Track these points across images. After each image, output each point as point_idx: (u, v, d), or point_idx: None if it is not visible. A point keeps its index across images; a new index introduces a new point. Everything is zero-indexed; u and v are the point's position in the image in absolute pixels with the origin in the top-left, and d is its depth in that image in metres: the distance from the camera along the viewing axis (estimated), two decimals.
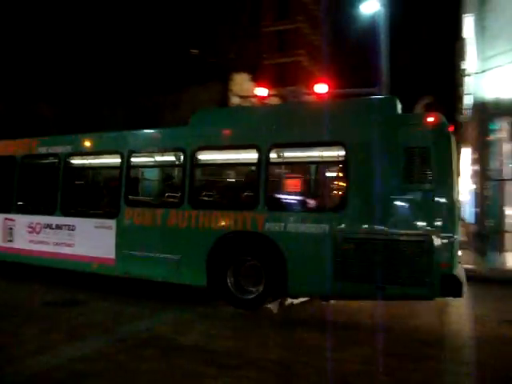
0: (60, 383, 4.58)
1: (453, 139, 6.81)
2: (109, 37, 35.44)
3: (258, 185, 7.55)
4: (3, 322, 6.60)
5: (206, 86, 31.75)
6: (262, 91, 21.28)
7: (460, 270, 6.81)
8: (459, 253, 6.81)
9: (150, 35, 37.41)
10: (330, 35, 55.15)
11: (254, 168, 7.84)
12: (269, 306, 7.48)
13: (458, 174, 7.00)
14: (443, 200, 6.53)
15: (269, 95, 21.63)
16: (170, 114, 28.54)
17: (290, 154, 8.02)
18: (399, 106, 7.35)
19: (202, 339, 6.11)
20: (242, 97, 23.34)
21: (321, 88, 19.62)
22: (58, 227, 9.46)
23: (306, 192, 8.42)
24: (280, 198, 7.99)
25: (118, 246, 8.65)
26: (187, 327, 6.72)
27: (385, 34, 16.67)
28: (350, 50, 48.05)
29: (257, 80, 31.00)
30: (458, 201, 6.89)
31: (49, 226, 9.60)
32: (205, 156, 8.44)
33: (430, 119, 6.78)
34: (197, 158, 8.24)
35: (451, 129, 6.83)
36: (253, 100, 22.32)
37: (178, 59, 35.78)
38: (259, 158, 7.57)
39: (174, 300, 8.52)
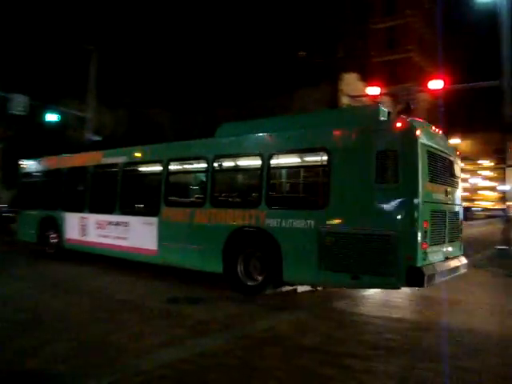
0: (189, 374, 4.80)
1: (422, 143, 7.32)
2: (221, 42, 36.57)
3: (260, 186, 8.82)
4: (129, 316, 7.03)
5: (316, 88, 31.71)
6: (373, 90, 20.93)
7: (439, 265, 7.57)
8: (435, 248, 7.57)
9: (261, 39, 38.10)
10: (443, 27, 52.64)
11: (258, 172, 9.02)
12: (268, 292, 8.58)
13: (434, 176, 7.68)
14: (407, 199, 7.17)
15: (380, 94, 21.20)
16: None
17: (284, 161, 9.09)
18: (384, 113, 8.04)
19: (323, 340, 6.08)
20: (352, 97, 23.09)
21: (436, 84, 18.80)
22: (117, 224, 11.54)
23: (297, 192, 9.62)
24: (277, 198, 9.06)
25: (159, 239, 10.40)
26: (306, 328, 6.73)
27: (508, 21, 15.56)
28: (465, 41, 45.54)
29: (367, 79, 30.43)
30: (429, 200, 7.45)
31: (110, 223, 11.72)
32: (220, 163, 9.74)
33: (398, 124, 7.46)
34: (215, 165, 9.65)
35: (420, 132, 7.33)
36: (364, 99, 22.05)
37: (287, 62, 36.08)
38: (261, 164, 8.85)
39: (290, 301, 8.59)
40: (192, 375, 4.79)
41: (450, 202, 8.48)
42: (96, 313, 7.25)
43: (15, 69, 37.21)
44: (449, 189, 8.40)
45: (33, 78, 31.76)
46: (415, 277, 6.99)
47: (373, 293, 9.25)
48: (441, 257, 7.91)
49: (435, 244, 7.66)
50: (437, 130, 8.59)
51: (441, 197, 8.03)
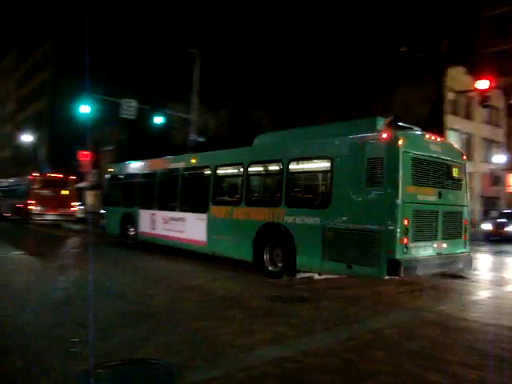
0: (292, 372, 4.79)
1: (405, 151, 8.46)
2: (322, 41, 36.32)
3: (281, 188, 10.51)
4: (233, 313, 7.15)
5: (418, 84, 30.52)
6: (482, 84, 19.72)
7: (425, 259, 8.72)
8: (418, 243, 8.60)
9: (361, 36, 37.36)
10: None
11: (279, 176, 10.74)
12: (284, 278, 10.11)
13: (417, 180, 8.75)
14: (389, 200, 8.34)
15: (490, 87, 19.93)
16: (381, 115, 27.94)
17: (299, 166, 10.62)
18: (380, 123, 9.21)
19: (429, 345, 5.83)
20: (458, 92, 21.97)
21: None
22: (177, 219, 13.73)
23: (307, 193, 10.75)
24: (292, 198, 10.41)
25: (208, 233, 12.36)
26: (411, 331, 6.51)
27: None
28: None
29: (474, 72, 28.77)
30: (411, 201, 8.52)
31: (172, 219, 13.96)
32: (253, 168, 11.74)
33: (384, 136, 8.64)
34: (249, 170, 11.60)
35: (402, 142, 8.42)
36: (471, 94, 20.91)
37: (388, 59, 35.05)
38: (282, 169, 10.57)
39: (394, 302, 8.39)
40: (295, 374, 4.76)
41: (445, 203, 9.37)
42: (200, 308, 7.48)
43: (125, 74, 39.51)
44: (444, 191, 9.36)
45: (141, 83, 33.51)
46: (393, 268, 8.15)
47: (483, 298, 8.78)
48: (430, 252, 9.01)
49: (421, 240, 8.78)
50: (433, 137, 9.58)
51: (430, 198, 9.06)
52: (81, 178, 51.89)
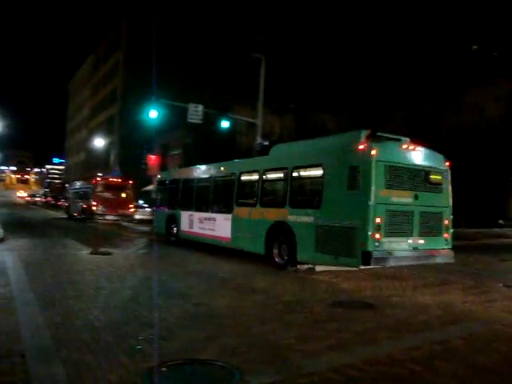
0: (355, 380, 4.68)
1: (378, 160, 9.90)
2: (389, 41, 35.53)
3: (286, 191, 12.40)
4: (296, 317, 7.09)
5: (492, 84, 29.18)
6: None
7: (398, 252, 10.10)
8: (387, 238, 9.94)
9: (429, 35, 36.22)
10: None
11: (285, 181, 12.67)
12: (289, 269, 11.79)
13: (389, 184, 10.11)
14: (364, 201, 9.82)
15: None
16: (452, 117, 26.87)
17: (299, 173, 12.47)
18: (363, 135, 10.42)
19: (501, 361, 5.49)
20: None
21: None
22: (209, 219, 15.81)
23: (304, 196, 12.46)
24: (293, 200, 12.14)
25: (232, 230, 14.31)
26: (483, 345, 6.14)
27: None
28: None
29: None
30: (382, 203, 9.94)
31: (206, 219, 16.05)
32: (267, 175, 13.62)
33: (360, 146, 10.15)
34: (264, 177, 13.54)
35: (375, 152, 9.89)
36: None
37: (459, 58, 33.75)
38: (286, 175, 12.53)
39: (464, 313, 8.01)
40: (358, 382, 4.65)
41: (422, 204, 10.66)
42: (263, 312, 7.46)
43: (192, 80, 40.34)
44: (421, 193, 10.68)
45: (208, 88, 34.07)
46: (366, 258, 9.63)
47: None
48: (405, 246, 10.40)
49: (395, 236, 10.20)
50: (411, 147, 10.86)
51: (405, 200, 10.45)
52: (148, 181, 53.45)
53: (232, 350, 5.43)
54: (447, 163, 11.65)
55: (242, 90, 31.59)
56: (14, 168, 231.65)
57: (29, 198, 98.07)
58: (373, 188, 9.87)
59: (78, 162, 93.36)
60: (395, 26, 36.65)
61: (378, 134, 10.95)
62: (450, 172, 11.60)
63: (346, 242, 10.20)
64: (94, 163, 76.92)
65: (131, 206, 32.78)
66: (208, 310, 7.42)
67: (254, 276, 11.21)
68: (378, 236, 9.80)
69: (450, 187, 11.56)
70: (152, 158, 52.40)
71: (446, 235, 11.25)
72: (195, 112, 24.14)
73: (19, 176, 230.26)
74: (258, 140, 25.49)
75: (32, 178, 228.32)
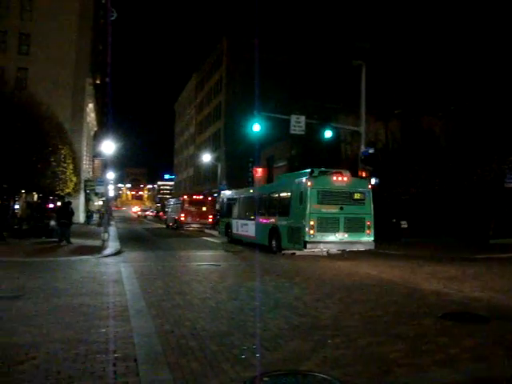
0: None
1: (312, 188, 17.50)
2: (498, 38, 33.31)
3: (276, 206, 20.27)
4: (404, 329, 6.81)
5: None
6: None
7: (325, 241, 17.37)
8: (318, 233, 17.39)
9: None
10: None
11: (276, 200, 20.65)
12: (280, 253, 19.00)
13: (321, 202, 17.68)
14: (304, 211, 17.48)
15: None
16: None
17: (282, 194, 20.35)
18: (308, 173, 18.22)
19: None
20: None
21: None
22: (245, 224, 23.47)
23: (283, 209, 19.42)
24: (279, 212, 19.77)
25: (255, 231, 21.90)
26: None
27: None
28: None
29: None
30: (318, 211, 17.56)
31: (244, 224, 23.72)
32: (272, 195, 21.26)
33: (303, 180, 17.87)
34: (270, 197, 21.28)
35: (310, 183, 17.51)
36: None
37: None
38: (277, 196, 20.70)
39: None
40: None
41: (346, 213, 17.81)
42: (369, 323, 7.27)
43: (293, 91, 40.69)
44: (346, 206, 17.84)
45: (310, 98, 34.09)
46: (304, 244, 17.02)
47: None
48: (333, 238, 17.53)
49: (324, 232, 17.38)
50: (340, 178, 18.30)
51: (332, 210, 17.67)
52: None
53: (336, 362, 5.34)
54: (369, 186, 19.09)
55: (345, 99, 31.25)
56: (129, 185, 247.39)
57: (140, 213, 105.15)
58: (308, 204, 17.52)
59: (187, 177, 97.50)
60: (506, 21, 34.33)
61: (320, 170, 18.65)
62: (371, 191, 18.75)
63: (297, 235, 17.76)
64: (202, 178, 79.96)
65: (211, 216, 40.81)
66: (312, 321, 7.36)
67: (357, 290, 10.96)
68: (312, 232, 17.30)
69: (371, 201, 18.54)
70: (258, 171, 53.41)
71: (367, 231, 18.23)
72: (297, 123, 24.28)
73: (134, 192, 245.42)
74: (363, 148, 25.06)
75: (145, 194, 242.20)
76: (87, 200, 56.64)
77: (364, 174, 24.04)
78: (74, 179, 32.91)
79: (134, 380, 4.63)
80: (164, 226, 47.96)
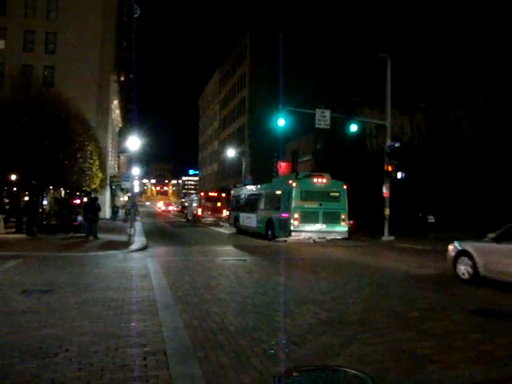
0: None
1: (296, 188, 21.92)
2: None
3: (271, 202, 24.67)
4: (433, 325, 6.72)
5: None
6: None
7: (307, 231, 21.84)
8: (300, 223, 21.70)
9: None
10: None
11: (270, 197, 24.90)
12: (273, 240, 22.96)
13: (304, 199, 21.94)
14: (290, 206, 21.91)
15: None
16: None
17: (275, 192, 24.40)
18: (293, 176, 23.86)
19: None
20: None
21: None
22: (249, 217, 27.45)
23: (275, 204, 23.76)
24: (273, 206, 23.92)
25: (256, 222, 26.01)
26: None
27: None
28: None
29: None
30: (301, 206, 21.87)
31: (248, 217, 27.72)
32: (269, 193, 25.49)
33: (290, 182, 22.50)
34: (267, 194, 25.63)
35: (295, 184, 22.03)
36: None
37: None
38: (271, 194, 25.05)
39: None
40: None
41: (325, 208, 21.87)
42: (398, 319, 7.21)
43: (318, 84, 40.48)
44: (324, 202, 21.93)
45: (334, 92, 33.83)
46: (289, 233, 21.58)
47: None
48: (313, 228, 21.74)
49: (306, 223, 21.58)
50: (319, 180, 22.42)
51: (313, 205, 21.77)
52: None
53: (365, 358, 5.30)
54: (345, 186, 22.74)
55: (369, 92, 30.91)
56: (154, 181, 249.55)
57: (164, 208, 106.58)
58: (293, 200, 21.79)
59: (212, 172, 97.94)
60: None
61: (305, 174, 23.90)
62: (346, 191, 22.59)
63: (285, 226, 21.91)
64: (226, 173, 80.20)
65: (225, 210, 43.61)
66: (340, 316, 7.33)
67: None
68: (296, 223, 21.49)
69: (345, 199, 22.49)
70: (282, 166, 53.30)
71: (342, 223, 22.31)
72: (322, 117, 24.17)
73: (159, 188, 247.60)
74: (388, 142, 24.81)
75: (170, 189, 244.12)
76: (113, 196, 57.34)
77: (390, 168, 23.82)
78: (100, 175, 33.31)
79: (164, 373, 4.67)
80: (184, 220, 53.62)
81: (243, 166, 57.23)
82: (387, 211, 24.48)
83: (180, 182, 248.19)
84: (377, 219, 25.18)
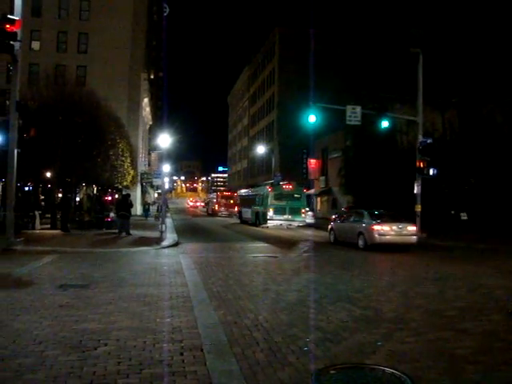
0: None
1: (271, 192, 33.59)
2: None
3: (258, 201, 35.70)
4: (470, 326, 6.63)
5: None
6: None
7: (276, 220, 32.84)
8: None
9: None
10: None
11: (260, 198, 35.43)
12: (262, 226, 33.49)
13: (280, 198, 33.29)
14: (267, 204, 32.94)
15: None
16: None
17: (260, 194, 36.16)
18: (269, 184, 39.84)
19: None
20: None
21: None
22: (247, 212, 38.50)
23: (261, 202, 34.68)
24: (259, 204, 35.21)
25: (250, 215, 37.33)
26: None
27: None
28: None
29: None
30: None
31: (246, 212, 38.85)
32: (257, 195, 36.88)
33: (269, 189, 34.52)
34: (256, 195, 36.87)
35: (270, 190, 34.29)
36: None
37: None
38: (259, 195, 35.92)
39: None
40: None
41: (290, 205, 32.75)
42: (434, 318, 7.12)
43: (349, 80, 40.08)
44: (290, 201, 32.91)
45: (366, 88, 33.46)
46: (265, 222, 32.75)
47: None
48: (282, 218, 32.58)
49: (277, 215, 32.53)
50: (287, 186, 34.36)
51: (282, 203, 32.73)
52: (310, 186, 54.33)
53: (402, 357, 5.25)
54: (304, 190, 36.15)
55: (400, 87, 30.45)
56: (183, 177, 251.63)
57: (192, 204, 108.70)
58: (269, 200, 32.63)
59: (241, 169, 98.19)
60: None
61: (279, 183, 37.95)
62: (305, 193, 35.52)
63: (264, 216, 32.80)
64: (255, 170, 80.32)
65: (236, 207, 50.31)
66: (375, 314, 7.28)
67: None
68: (270, 215, 32.27)
69: (305, 198, 34.83)
70: (312, 163, 53.10)
71: (302, 215, 33.13)
72: (353, 114, 23.94)
73: (188, 185, 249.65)
74: (420, 138, 24.44)
75: (200, 186, 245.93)
76: (143, 192, 58.12)
77: (422, 165, 23.47)
78: (132, 172, 33.84)
79: (201, 369, 4.72)
80: (205, 214, 65.05)
81: (273, 163, 57.21)
82: (419, 208, 24.11)
83: (209, 178, 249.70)
84: (408, 216, 24.83)
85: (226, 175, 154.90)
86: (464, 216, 27.02)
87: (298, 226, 32.93)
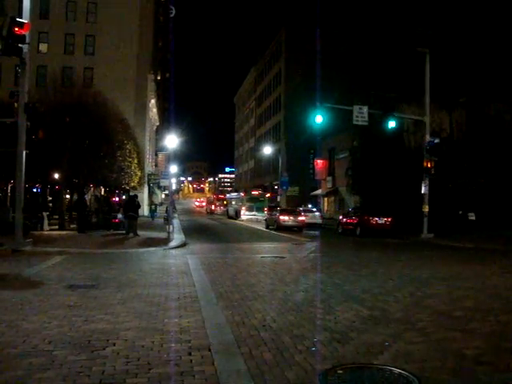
0: None
1: (244, 196, 56.45)
2: None
3: (236, 202, 55.28)
4: (476, 326, 6.58)
5: None
6: None
7: (249, 216, 49.87)
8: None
9: None
10: None
11: (236, 199, 56.27)
12: (239, 219, 48.45)
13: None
14: (241, 203, 52.76)
15: None
16: None
17: (238, 197, 57.68)
18: (243, 191, 70.66)
19: None
20: None
21: None
22: (231, 209, 54.35)
23: (238, 203, 53.74)
24: (237, 204, 53.34)
25: (232, 211, 52.78)
26: None
27: None
28: None
29: None
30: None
31: (231, 209, 54.58)
32: (237, 198, 57.39)
33: (242, 193, 60.84)
34: (236, 198, 56.88)
35: (243, 194, 58.39)
36: None
37: None
38: (236, 197, 58.00)
39: None
40: None
41: (257, 205, 51.17)
42: (441, 318, 7.09)
43: (355, 81, 39.97)
44: (257, 202, 52.31)
45: (372, 88, 33.37)
46: (240, 216, 49.65)
47: None
48: (250, 214, 49.48)
49: (248, 211, 49.81)
50: (255, 192, 57.43)
51: (252, 203, 51.47)
52: (316, 186, 54.23)
53: (410, 357, 5.24)
54: (267, 195, 59.65)
55: (407, 87, 30.35)
56: (190, 178, 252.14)
57: (198, 204, 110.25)
58: (242, 201, 52.20)
59: (248, 169, 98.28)
60: None
61: (248, 190, 62.99)
62: (266, 197, 56.45)
63: (240, 212, 49.59)
64: (262, 170, 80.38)
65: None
66: (382, 314, 7.27)
67: None
68: (243, 212, 49.52)
69: (266, 200, 54.26)
70: (319, 163, 53.04)
71: (264, 212, 45.07)
72: (360, 114, 23.95)
73: (195, 185, 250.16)
74: (427, 138, 24.39)
75: (206, 186, 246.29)
76: (150, 193, 58.32)
77: (429, 165, 23.42)
78: (139, 173, 33.91)
79: (209, 369, 4.74)
80: (205, 213, 73.04)
81: (279, 164, 57.23)
82: (426, 208, 24.08)
83: (216, 179, 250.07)
84: (416, 217, 24.78)
85: (233, 176, 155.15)
86: (472, 216, 26.91)
87: (301, 228, 31.78)
